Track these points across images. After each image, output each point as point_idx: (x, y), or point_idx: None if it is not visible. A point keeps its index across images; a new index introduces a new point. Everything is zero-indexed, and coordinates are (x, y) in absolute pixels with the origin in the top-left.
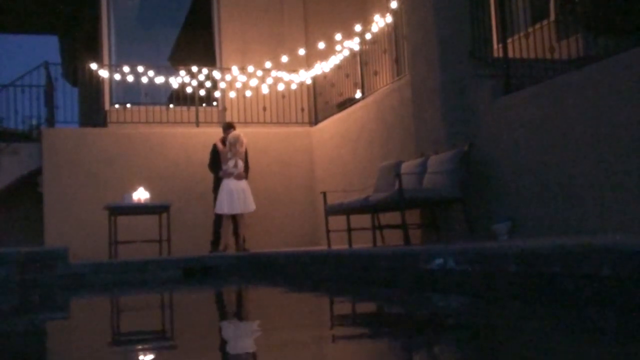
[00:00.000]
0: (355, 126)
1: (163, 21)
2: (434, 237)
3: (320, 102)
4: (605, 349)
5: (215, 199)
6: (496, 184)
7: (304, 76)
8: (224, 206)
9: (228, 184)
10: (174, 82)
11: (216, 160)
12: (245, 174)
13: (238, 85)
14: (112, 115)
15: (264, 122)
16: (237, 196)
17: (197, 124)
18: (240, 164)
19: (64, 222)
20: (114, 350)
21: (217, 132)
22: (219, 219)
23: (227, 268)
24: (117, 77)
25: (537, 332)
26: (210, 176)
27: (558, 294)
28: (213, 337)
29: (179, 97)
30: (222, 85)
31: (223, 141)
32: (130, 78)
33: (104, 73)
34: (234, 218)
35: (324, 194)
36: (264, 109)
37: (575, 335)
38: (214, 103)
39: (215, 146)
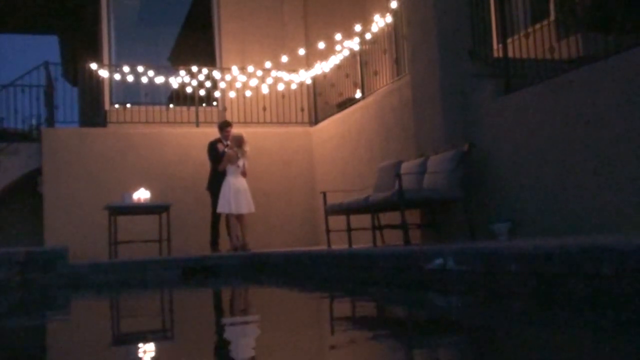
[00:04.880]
0: (355, 126)
1: (163, 21)
2: (433, 237)
3: (320, 102)
4: (605, 349)
5: (213, 198)
6: (496, 184)
7: (304, 76)
8: (231, 205)
9: (234, 183)
10: (174, 82)
11: (217, 158)
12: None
13: (238, 85)
14: (112, 115)
15: (264, 122)
16: (243, 196)
17: (197, 124)
18: (247, 163)
19: (63, 222)
20: (114, 349)
21: (216, 132)
22: (218, 218)
23: (227, 268)
24: (117, 77)
25: (537, 332)
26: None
27: (558, 294)
28: (212, 337)
29: (179, 97)
30: (222, 85)
31: (220, 140)
32: (130, 78)
33: (103, 73)
34: (236, 218)
35: (324, 193)
36: (264, 109)
37: (575, 335)
38: (214, 103)
39: (213, 145)
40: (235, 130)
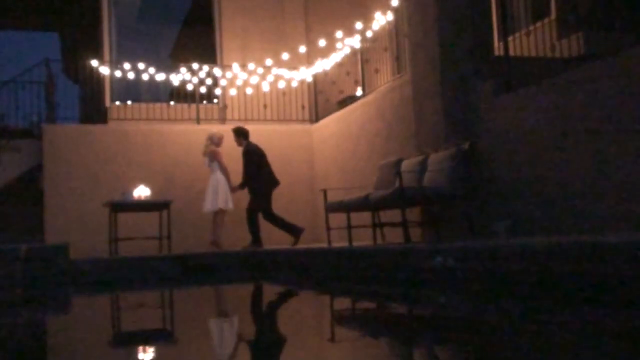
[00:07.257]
0: (356, 124)
1: (164, 18)
2: (434, 235)
3: (321, 99)
4: (604, 348)
5: (257, 197)
6: (496, 182)
7: (305, 74)
8: (227, 201)
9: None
10: (175, 79)
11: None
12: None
13: (239, 82)
14: (112, 112)
15: (265, 120)
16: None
17: (198, 121)
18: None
19: (64, 218)
20: (114, 347)
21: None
22: (255, 215)
23: (227, 266)
24: (118, 74)
25: (537, 331)
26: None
27: (557, 292)
28: (212, 335)
29: (180, 94)
30: (222, 82)
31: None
32: (130, 75)
33: (104, 70)
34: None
35: (324, 191)
36: (265, 106)
37: (575, 333)
38: (215, 100)
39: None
40: (237, 125)
